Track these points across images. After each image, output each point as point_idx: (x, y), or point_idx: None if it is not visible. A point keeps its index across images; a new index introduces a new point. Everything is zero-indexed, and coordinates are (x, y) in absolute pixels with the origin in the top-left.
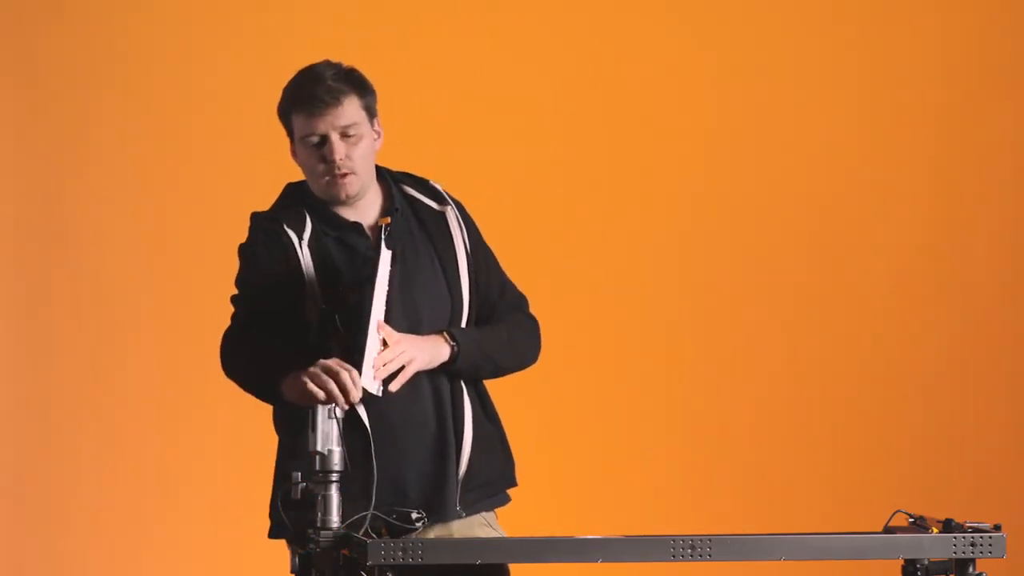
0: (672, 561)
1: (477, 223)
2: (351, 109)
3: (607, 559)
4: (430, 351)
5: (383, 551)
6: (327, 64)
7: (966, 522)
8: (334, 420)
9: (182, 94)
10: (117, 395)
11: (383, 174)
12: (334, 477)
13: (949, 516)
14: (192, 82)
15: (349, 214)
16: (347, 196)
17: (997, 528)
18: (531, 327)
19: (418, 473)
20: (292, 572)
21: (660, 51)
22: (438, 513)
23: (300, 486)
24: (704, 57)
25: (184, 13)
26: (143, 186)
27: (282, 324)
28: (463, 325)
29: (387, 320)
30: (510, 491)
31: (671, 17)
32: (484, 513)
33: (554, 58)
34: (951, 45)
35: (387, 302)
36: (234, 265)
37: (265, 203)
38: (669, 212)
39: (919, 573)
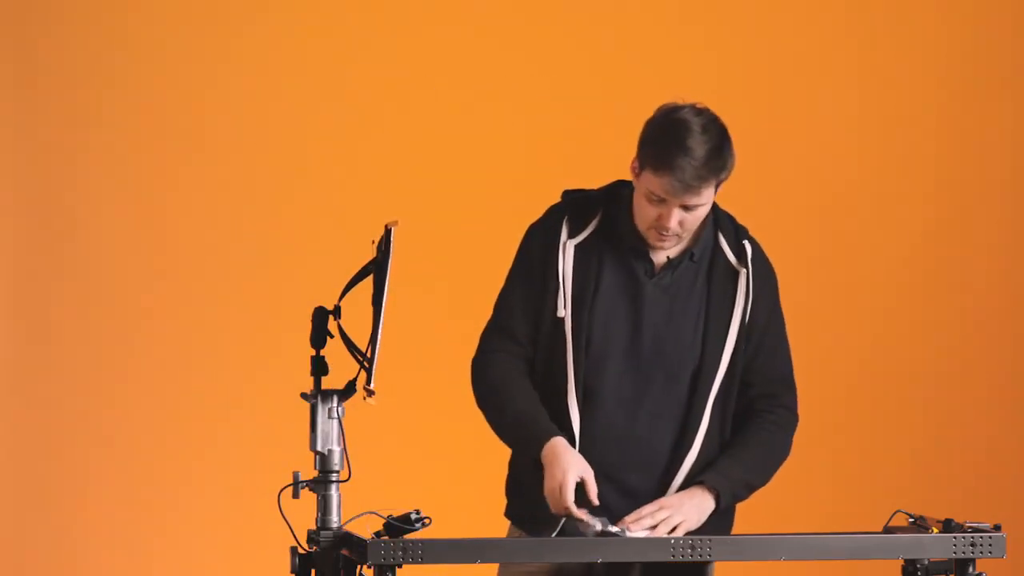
0: (672, 561)
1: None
2: (706, 195)
3: (607, 559)
4: (697, 509)
5: (383, 551)
6: (703, 132)
7: (966, 522)
8: (335, 420)
9: (182, 94)
10: (117, 395)
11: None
12: (334, 477)
13: (949, 516)
14: (192, 82)
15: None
16: (661, 250)
17: (997, 528)
18: (788, 426)
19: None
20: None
21: (661, 51)
22: None
23: (300, 486)
24: (705, 57)
25: (184, 13)
26: (143, 186)
27: (532, 323)
28: (714, 389)
29: (633, 348)
30: None
31: (672, 17)
32: None
33: (553, 58)
34: (951, 45)
35: (640, 331)
36: (232, 264)
37: (264, 203)
38: None
39: (919, 573)
